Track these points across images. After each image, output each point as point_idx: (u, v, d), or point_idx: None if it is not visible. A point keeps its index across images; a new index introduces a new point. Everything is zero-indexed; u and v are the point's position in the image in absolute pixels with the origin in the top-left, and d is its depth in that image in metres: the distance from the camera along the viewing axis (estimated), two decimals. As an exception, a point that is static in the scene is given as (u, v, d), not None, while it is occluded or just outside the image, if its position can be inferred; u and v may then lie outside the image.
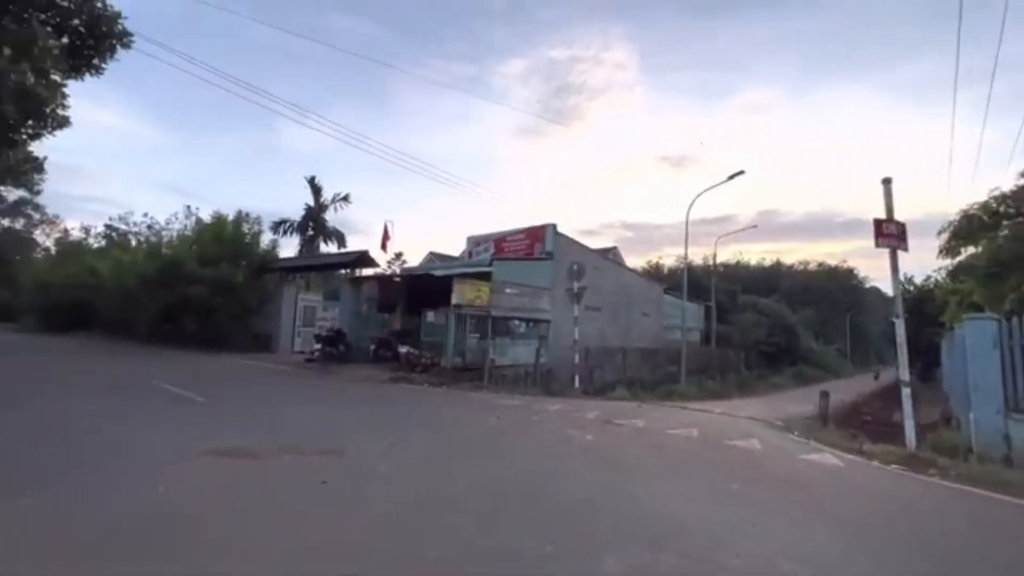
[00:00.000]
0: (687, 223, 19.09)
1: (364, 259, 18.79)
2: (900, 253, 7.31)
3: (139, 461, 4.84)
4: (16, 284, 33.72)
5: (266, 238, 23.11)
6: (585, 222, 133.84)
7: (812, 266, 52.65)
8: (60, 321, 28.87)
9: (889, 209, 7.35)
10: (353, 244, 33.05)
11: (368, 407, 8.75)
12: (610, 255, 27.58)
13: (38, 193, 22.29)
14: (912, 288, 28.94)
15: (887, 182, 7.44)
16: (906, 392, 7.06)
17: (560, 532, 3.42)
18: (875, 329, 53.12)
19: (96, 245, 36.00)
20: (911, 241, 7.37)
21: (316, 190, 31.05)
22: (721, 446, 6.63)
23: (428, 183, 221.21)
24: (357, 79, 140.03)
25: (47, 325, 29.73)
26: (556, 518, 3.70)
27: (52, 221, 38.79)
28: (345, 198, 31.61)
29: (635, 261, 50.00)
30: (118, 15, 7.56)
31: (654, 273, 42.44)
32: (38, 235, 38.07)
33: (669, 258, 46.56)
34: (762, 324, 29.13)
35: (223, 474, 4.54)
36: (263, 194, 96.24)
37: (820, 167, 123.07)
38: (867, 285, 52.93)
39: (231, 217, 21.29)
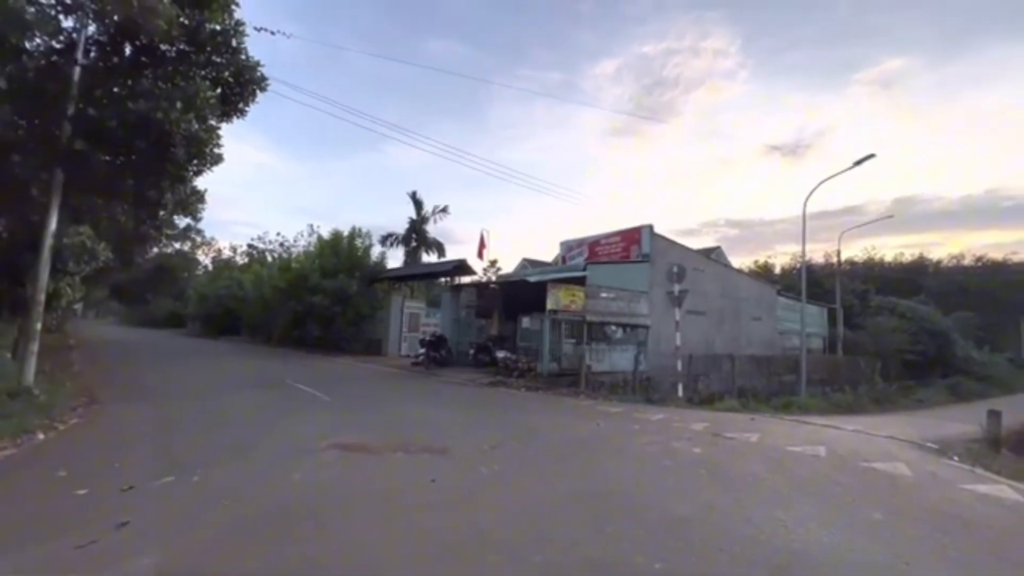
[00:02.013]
0: (804, 216, 17.11)
1: (462, 268, 19.71)
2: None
3: (280, 450, 5.57)
4: (184, 297, 40.93)
5: (375, 251, 25.18)
6: (684, 222, 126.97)
7: (968, 260, 44.45)
8: (216, 327, 34.57)
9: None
10: (452, 253, 34.94)
11: (469, 409, 9.10)
12: (713, 255, 25.82)
13: (200, 220, 26.96)
14: None
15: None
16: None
17: (669, 549, 3.24)
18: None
19: (241, 262, 42.27)
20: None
21: (418, 204, 33.19)
22: (856, 468, 5.81)
23: (521, 191, 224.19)
24: (452, 97, 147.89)
25: (206, 330, 35.75)
26: (664, 534, 3.51)
27: (209, 243, 46.09)
28: (444, 210, 33.46)
29: (742, 261, 46.40)
30: (258, 63, 8.83)
31: (764, 274, 38.99)
32: (200, 255, 45.46)
33: (782, 256, 42.29)
34: (903, 329, 25.16)
35: (345, 467, 5.02)
36: (372, 209, 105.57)
37: (978, 143, 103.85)
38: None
39: (346, 233, 23.53)
